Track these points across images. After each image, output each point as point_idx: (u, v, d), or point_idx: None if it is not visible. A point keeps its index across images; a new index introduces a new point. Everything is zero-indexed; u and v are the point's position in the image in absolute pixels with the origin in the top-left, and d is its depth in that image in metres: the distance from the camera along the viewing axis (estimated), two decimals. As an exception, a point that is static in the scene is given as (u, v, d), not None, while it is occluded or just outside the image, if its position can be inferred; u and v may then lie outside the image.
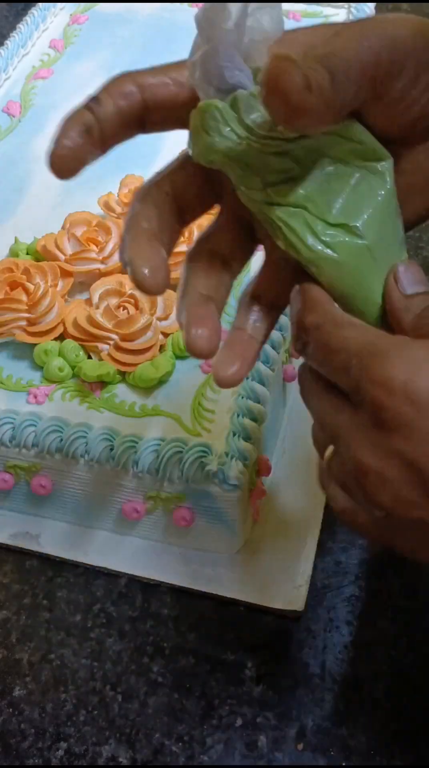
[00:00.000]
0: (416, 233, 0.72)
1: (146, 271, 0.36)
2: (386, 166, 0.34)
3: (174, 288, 0.57)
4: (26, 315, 0.54)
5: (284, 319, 0.54)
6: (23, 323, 0.54)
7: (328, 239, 0.33)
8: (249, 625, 0.50)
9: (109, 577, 0.53)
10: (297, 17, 0.83)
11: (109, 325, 0.53)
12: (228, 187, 0.35)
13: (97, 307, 0.54)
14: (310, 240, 0.33)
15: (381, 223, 0.34)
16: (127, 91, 0.34)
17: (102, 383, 0.53)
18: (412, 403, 0.30)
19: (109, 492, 0.51)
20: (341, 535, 0.54)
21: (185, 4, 0.85)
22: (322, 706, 0.47)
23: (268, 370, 0.52)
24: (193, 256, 0.38)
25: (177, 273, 0.56)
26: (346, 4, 0.83)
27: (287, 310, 0.36)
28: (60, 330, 0.55)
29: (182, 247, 0.56)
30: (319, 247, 0.33)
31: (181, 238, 0.57)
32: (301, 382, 0.37)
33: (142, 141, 0.68)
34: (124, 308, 0.55)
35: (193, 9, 0.83)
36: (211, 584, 0.51)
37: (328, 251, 0.33)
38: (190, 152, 0.34)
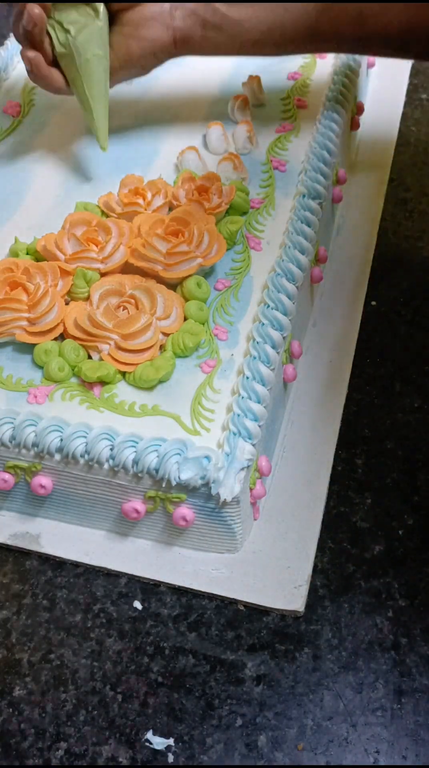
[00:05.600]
0: (416, 233, 0.72)
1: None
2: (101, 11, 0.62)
3: (174, 288, 0.57)
4: (26, 315, 0.54)
5: (284, 319, 0.54)
6: (23, 323, 0.54)
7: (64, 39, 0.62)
8: (249, 625, 0.50)
9: (109, 577, 0.53)
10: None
11: (109, 325, 0.53)
12: None
13: (97, 307, 0.54)
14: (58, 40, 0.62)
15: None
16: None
17: (102, 383, 0.53)
18: None
19: (109, 492, 0.51)
20: (341, 535, 0.54)
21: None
22: (322, 706, 0.47)
23: (268, 370, 0.52)
24: None
25: (177, 273, 0.57)
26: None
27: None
28: (60, 330, 0.55)
29: (182, 247, 0.56)
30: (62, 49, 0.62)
31: (181, 238, 0.57)
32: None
33: (142, 142, 0.68)
34: (124, 308, 0.55)
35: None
36: (211, 584, 0.52)
37: (62, 49, 0.62)
38: None
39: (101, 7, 0.61)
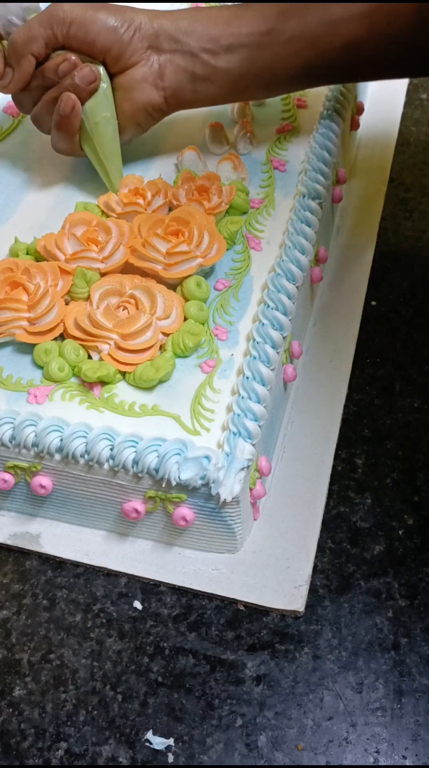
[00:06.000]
0: (416, 233, 0.72)
1: None
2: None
3: (174, 288, 0.57)
4: (26, 315, 0.54)
5: (284, 320, 0.54)
6: (23, 323, 0.54)
7: None
8: (249, 625, 0.50)
9: (109, 577, 0.53)
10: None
11: (109, 325, 0.53)
12: None
13: (97, 307, 0.54)
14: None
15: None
16: None
17: (102, 383, 0.53)
18: None
19: (109, 492, 0.51)
20: (341, 535, 0.54)
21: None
22: (322, 706, 0.47)
23: (268, 370, 0.52)
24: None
25: (177, 273, 0.57)
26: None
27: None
28: (60, 330, 0.55)
29: (182, 247, 0.56)
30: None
31: (182, 238, 0.57)
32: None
33: (141, 142, 0.68)
34: (124, 308, 0.55)
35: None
36: (211, 584, 0.52)
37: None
38: None
39: (102, 68, 0.61)
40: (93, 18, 0.59)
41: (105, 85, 0.61)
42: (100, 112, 0.62)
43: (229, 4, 0.64)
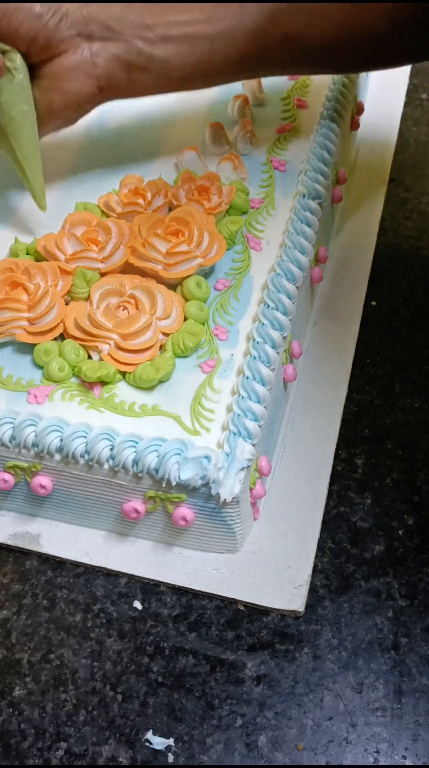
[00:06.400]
0: (416, 233, 0.72)
1: None
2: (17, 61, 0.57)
3: (174, 288, 0.57)
4: (26, 315, 0.54)
5: (284, 320, 0.54)
6: (23, 323, 0.54)
7: None
8: (249, 625, 0.50)
9: (109, 577, 0.53)
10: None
11: (109, 325, 0.53)
12: None
13: (97, 307, 0.54)
14: None
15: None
16: None
17: (102, 383, 0.53)
18: None
19: (109, 492, 0.51)
20: (341, 535, 0.54)
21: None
22: (322, 706, 0.47)
23: (268, 371, 0.52)
24: None
25: (177, 273, 0.57)
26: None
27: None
28: (60, 330, 0.55)
29: (182, 247, 0.56)
30: None
31: (182, 238, 0.57)
32: None
33: (141, 142, 0.68)
34: (124, 308, 0.55)
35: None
36: (211, 584, 0.52)
37: None
38: None
39: (18, 58, 0.57)
40: (16, 6, 0.56)
41: (21, 75, 0.57)
42: (17, 105, 0.57)
43: None
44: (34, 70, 0.59)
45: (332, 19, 0.58)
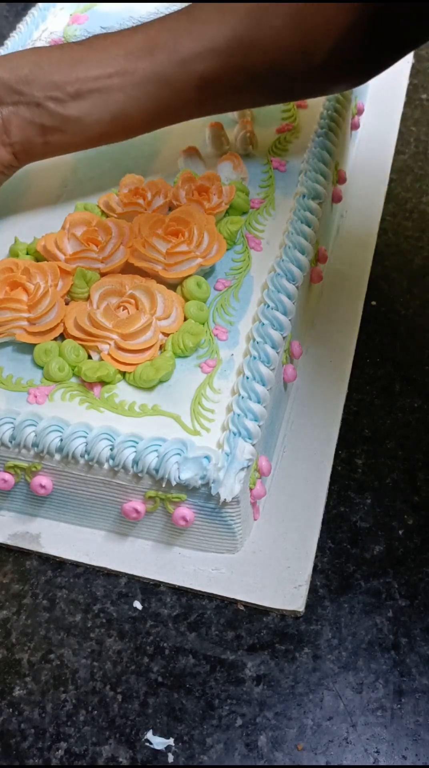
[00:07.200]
0: (416, 234, 0.72)
1: None
2: None
3: (174, 288, 0.57)
4: (26, 315, 0.54)
5: (284, 319, 0.54)
6: (23, 323, 0.54)
7: None
8: (249, 625, 0.50)
9: (109, 577, 0.53)
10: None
11: (109, 325, 0.53)
12: None
13: (97, 307, 0.54)
14: None
15: None
16: None
17: (102, 383, 0.53)
18: None
19: (109, 492, 0.51)
20: (341, 535, 0.54)
21: (185, 4, 0.85)
22: (322, 706, 0.47)
23: (268, 371, 0.52)
24: None
25: (177, 273, 0.57)
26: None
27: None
28: (60, 330, 0.55)
29: (182, 247, 0.56)
30: None
31: (182, 238, 0.57)
32: None
33: (141, 142, 0.68)
34: (124, 308, 0.55)
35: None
36: (211, 584, 0.52)
37: None
38: None
39: None
40: None
41: None
42: None
43: (84, 39, 0.59)
44: None
45: (252, 57, 0.56)
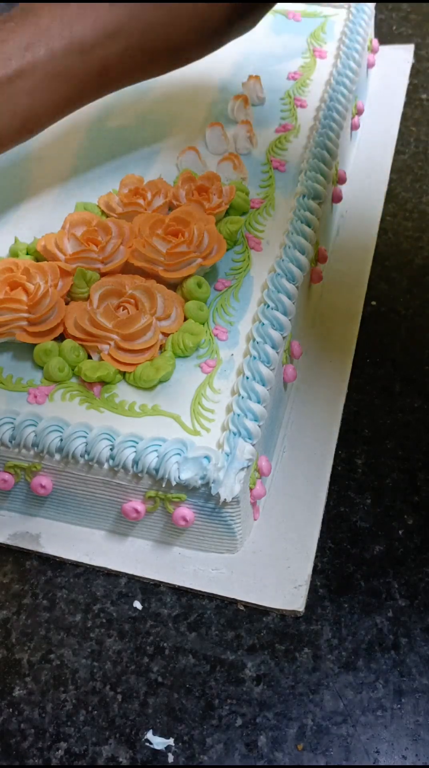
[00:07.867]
0: (416, 234, 0.72)
1: None
2: None
3: (174, 288, 0.57)
4: (26, 315, 0.54)
5: (284, 319, 0.54)
6: (23, 323, 0.54)
7: None
8: (249, 625, 0.50)
9: (109, 577, 0.53)
10: (297, 17, 0.83)
11: (109, 325, 0.53)
12: None
13: (97, 307, 0.54)
14: None
15: None
16: None
17: (102, 383, 0.53)
18: None
19: (108, 492, 0.51)
20: (341, 535, 0.54)
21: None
22: (322, 706, 0.47)
23: (268, 371, 0.52)
24: None
25: (177, 273, 0.57)
26: (345, 4, 0.83)
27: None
28: (60, 330, 0.55)
29: (182, 247, 0.56)
30: None
31: (182, 238, 0.57)
32: None
33: (141, 142, 0.68)
34: (124, 308, 0.55)
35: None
36: (211, 584, 0.52)
37: None
38: None
39: None
40: None
41: None
42: None
43: None
44: None
45: (151, 34, 0.56)
